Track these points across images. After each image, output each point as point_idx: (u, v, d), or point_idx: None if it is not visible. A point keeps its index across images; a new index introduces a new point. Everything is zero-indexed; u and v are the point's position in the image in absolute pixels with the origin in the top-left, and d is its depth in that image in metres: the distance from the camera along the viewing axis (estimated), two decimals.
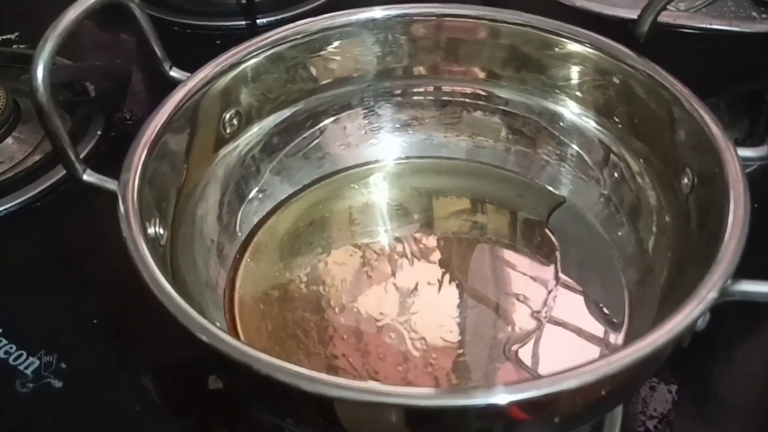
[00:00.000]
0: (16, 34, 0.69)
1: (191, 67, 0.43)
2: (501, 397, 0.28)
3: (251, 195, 0.46)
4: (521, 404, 0.28)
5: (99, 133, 0.58)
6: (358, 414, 0.30)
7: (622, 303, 0.42)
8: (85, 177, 0.37)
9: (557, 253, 0.45)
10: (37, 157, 0.56)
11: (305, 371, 0.28)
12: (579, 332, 0.41)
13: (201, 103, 0.42)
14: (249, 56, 0.44)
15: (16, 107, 0.59)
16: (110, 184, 0.36)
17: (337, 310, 0.42)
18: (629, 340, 0.40)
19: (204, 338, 0.29)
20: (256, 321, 0.41)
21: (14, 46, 0.67)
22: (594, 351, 0.40)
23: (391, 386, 0.29)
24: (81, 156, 0.54)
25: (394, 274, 0.44)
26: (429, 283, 0.44)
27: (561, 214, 0.47)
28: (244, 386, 0.33)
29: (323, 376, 0.28)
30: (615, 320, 0.41)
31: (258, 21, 0.69)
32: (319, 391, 0.28)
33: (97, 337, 0.45)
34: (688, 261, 0.38)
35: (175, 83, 0.42)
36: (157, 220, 0.37)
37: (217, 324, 0.38)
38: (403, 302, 0.43)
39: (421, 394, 0.28)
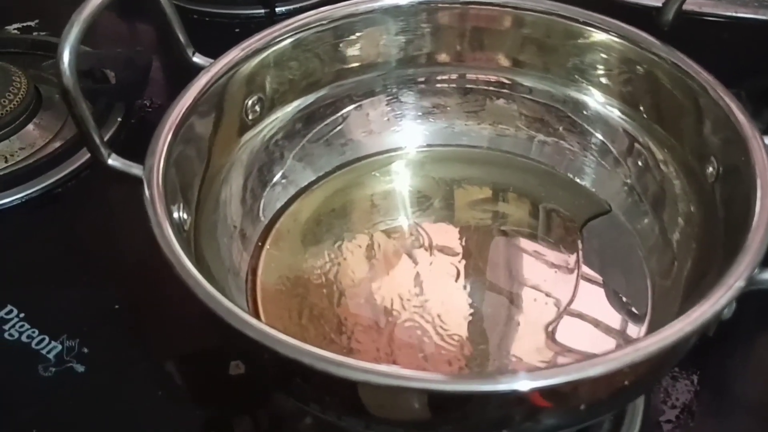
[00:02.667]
0: (36, 21, 0.69)
1: (211, 56, 0.43)
2: (524, 384, 0.27)
3: (274, 180, 0.46)
4: (544, 391, 0.28)
5: (119, 120, 0.58)
6: (381, 398, 0.30)
7: (645, 294, 0.42)
8: (110, 161, 0.37)
9: (579, 243, 0.45)
10: (57, 144, 0.56)
11: (331, 355, 0.28)
12: (600, 323, 0.41)
13: (226, 88, 0.42)
14: (273, 42, 0.44)
15: (37, 94, 0.59)
16: (135, 169, 0.37)
17: (357, 296, 0.42)
18: (652, 331, 0.40)
19: (232, 323, 0.29)
20: (277, 307, 0.41)
21: (34, 33, 0.68)
22: (614, 343, 0.40)
23: (415, 371, 0.29)
24: None
25: (414, 263, 0.44)
26: (449, 273, 0.44)
27: (583, 204, 0.47)
28: (269, 371, 0.33)
29: (349, 360, 0.28)
30: (637, 311, 0.41)
31: (276, 9, 0.68)
32: (345, 375, 0.28)
33: (118, 323, 0.45)
34: (713, 251, 0.38)
35: (198, 69, 0.42)
36: (182, 205, 0.37)
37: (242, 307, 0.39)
38: (423, 291, 0.43)
39: (445, 379, 0.28)
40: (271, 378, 0.34)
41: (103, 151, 0.37)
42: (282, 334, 0.29)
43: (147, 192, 0.35)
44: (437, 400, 0.29)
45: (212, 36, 0.67)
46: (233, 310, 0.30)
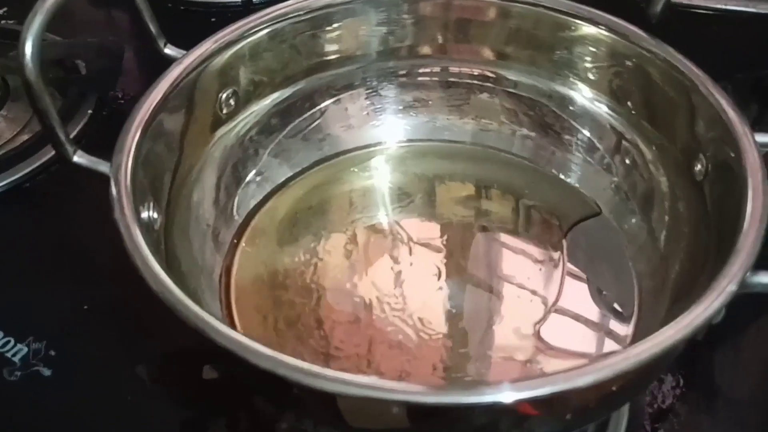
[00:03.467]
0: (5, 9, 0.67)
1: (186, 46, 0.42)
2: (507, 395, 0.27)
3: (249, 178, 0.45)
4: (529, 402, 0.27)
5: (90, 112, 0.57)
6: (360, 408, 0.29)
7: (632, 294, 0.41)
8: (75, 158, 0.36)
9: (564, 242, 0.44)
10: (26, 137, 0.54)
11: (306, 365, 0.27)
12: (586, 323, 0.41)
13: (198, 81, 0.40)
14: (248, 33, 0.42)
15: (5, 84, 0.57)
16: (102, 166, 0.35)
17: (335, 296, 0.41)
18: (638, 332, 0.40)
19: (201, 328, 0.28)
20: (253, 307, 0.40)
21: (2, 22, 0.66)
22: (602, 342, 0.40)
23: (394, 382, 0.28)
24: (71, 136, 0.53)
25: (394, 261, 0.43)
26: (430, 271, 0.43)
27: (568, 201, 0.46)
28: (241, 379, 0.32)
29: (325, 371, 0.27)
30: (623, 312, 0.41)
31: None
32: (321, 386, 0.27)
33: (88, 324, 0.44)
34: (702, 251, 0.37)
35: (170, 61, 0.41)
36: (152, 204, 0.36)
37: (213, 312, 0.37)
38: (404, 289, 0.42)
39: (426, 391, 0.27)
40: (242, 385, 0.33)
41: (68, 147, 0.36)
42: (250, 341, 0.28)
43: (114, 191, 0.33)
44: (417, 411, 0.28)
45: (187, 26, 0.66)
46: (200, 314, 0.29)
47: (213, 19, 0.67)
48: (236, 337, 0.28)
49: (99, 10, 0.69)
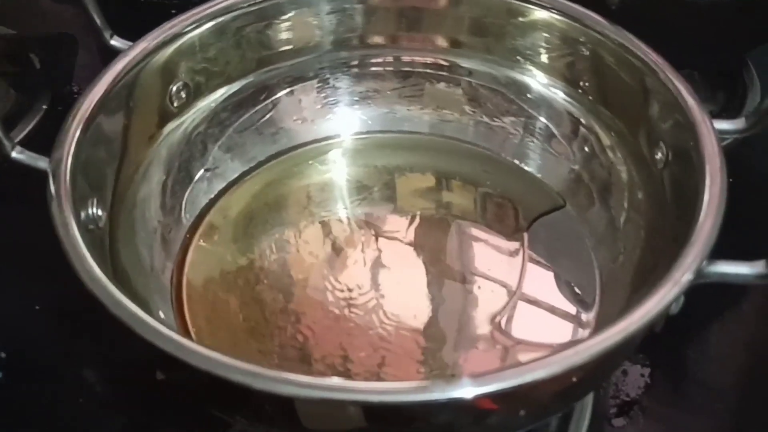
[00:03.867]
0: None
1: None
2: (465, 391, 0.26)
3: (198, 175, 0.44)
4: (487, 397, 0.27)
5: (45, 108, 0.55)
6: (313, 410, 0.28)
7: (593, 281, 0.41)
8: (13, 154, 0.35)
9: (525, 231, 0.43)
10: None
11: (251, 367, 0.26)
12: (549, 310, 0.40)
13: (142, 75, 0.39)
14: (193, 26, 0.41)
15: None
16: (42, 162, 0.34)
17: (294, 294, 0.40)
18: (600, 319, 0.39)
19: (139, 332, 0.27)
20: (207, 309, 0.39)
21: None
22: (565, 330, 0.39)
23: (347, 381, 0.28)
24: (24, 133, 0.53)
25: (355, 255, 0.43)
26: (393, 264, 0.42)
27: (529, 190, 0.45)
28: (188, 383, 0.31)
29: (271, 372, 0.26)
30: (586, 299, 0.40)
31: None
32: (269, 388, 0.26)
33: (39, 326, 0.44)
34: (662, 239, 0.37)
35: (117, 54, 0.39)
36: (95, 201, 0.35)
37: (163, 314, 0.36)
38: (366, 284, 0.41)
39: (381, 389, 0.27)
40: (192, 391, 0.32)
41: (6, 143, 0.35)
42: (194, 344, 0.27)
43: (52, 188, 0.32)
44: (374, 411, 0.27)
45: (147, 17, 0.64)
46: (139, 315, 0.28)
47: (173, 11, 0.66)
48: (172, 337, 0.27)
49: (54, 3, 0.68)
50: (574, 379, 0.29)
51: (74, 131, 0.35)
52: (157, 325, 0.27)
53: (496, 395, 0.27)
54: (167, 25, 0.41)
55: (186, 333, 0.38)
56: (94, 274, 0.29)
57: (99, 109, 0.36)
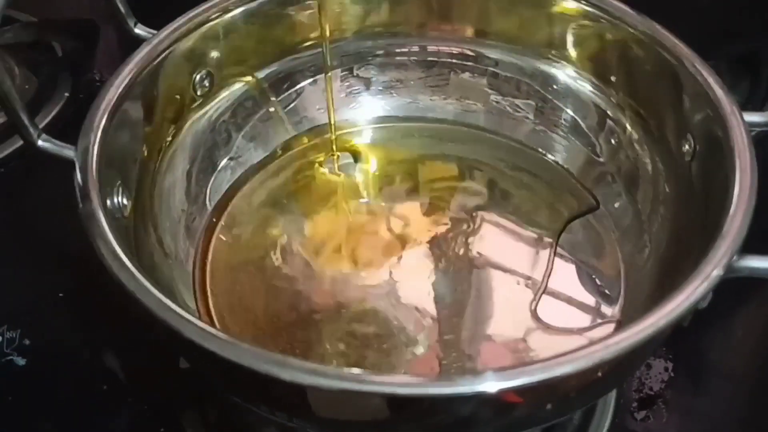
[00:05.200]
0: None
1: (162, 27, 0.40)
2: (490, 385, 0.26)
3: (223, 163, 0.44)
4: (512, 391, 0.26)
5: (66, 95, 0.55)
6: (337, 400, 0.28)
7: (618, 275, 0.41)
8: (40, 143, 0.35)
9: (550, 222, 0.43)
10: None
11: (279, 356, 0.26)
12: (573, 304, 0.40)
13: (166, 63, 0.39)
14: (219, 13, 0.41)
15: None
16: (68, 151, 0.34)
17: (318, 282, 0.40)
18: (625, 313, 0.39)
19: (164, 318, 0.27)
20: (229, 296, 0.40)
21: None
22: (590, 323, 0.39)
23: (373, 374, 0.27)
24: (46, 121, 0.53)
25: (376, 244, 0.43)
26: (414, 254, 0.42)
27: (553, 181, 0.45)
28: (211, 371, 0.31)
29: (297, 361, 0.26)
30: (610, 293, 0.40)
31: None
32: (294, 378, 0.26)
33: (62, 312, 0.44)
34: (689, 232, 0.36)
35: (142, 42, 0.39)
36: (120, 189, 0.35)
37: (185, 302, 0.37)
38: (388, 274, 0.41)
39: (406, 382, 0.27)
40: (215, 379, 0.32)
41: (32, 131, 0.35)
42: (223, 334, 0.27)
43: (79, 177, 0.32)
44: (397, 403, 0.27)
45: (169, 5, 0.64)
46: (166, 303, 0.28)
47: None
48: (201, 327, 0.27)
49: None
50: (600, 374, 0.29)
51: (100, 119, 0.34)
52: (186, 315, 0.27)
53: (522, 390, 0.26)
54: (192, 12, 0.40)
55: (209, 320, 0.38)
56: (124, 264, 0.29)
57: (124, 98, 0.36)
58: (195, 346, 0.27)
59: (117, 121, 0.35)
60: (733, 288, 0.31)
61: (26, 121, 0.34)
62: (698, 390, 0.42)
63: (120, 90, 0.36)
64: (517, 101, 0.47)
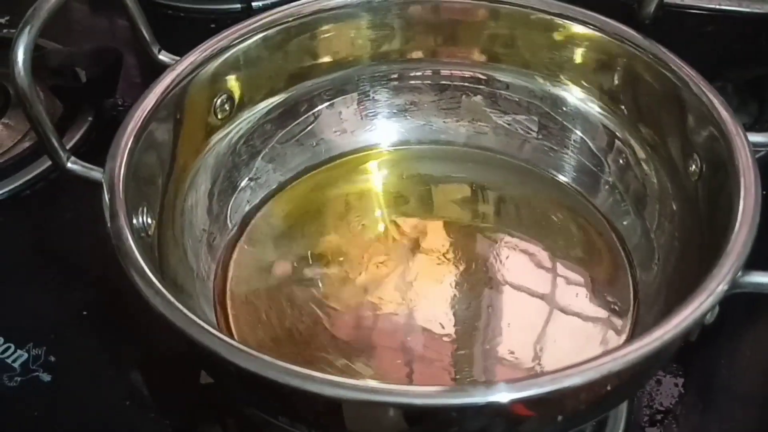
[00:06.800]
0: (7, 18, 0.67)
1: (184, 53, 0.42)
2: (502, 396, 0.27)
3: (243, 184, 0.45)
4: (523, 402, 0.27)
5: (90, 120, 0.56)
6: (354, 412, 0.29)
7: (628, 292, 0.41)
8: (69, 165, 0.36)
9: (561, 241, 0.44)
10: (26, 144, 0.54)
11: (297, 368, 0.27)
12: (583, 320, 0.40)
13: (189, 88, 0.41)
14: (239, 40, 0.42)
15: (5, 93, 0.57)
16: (96, 173, 0.35)
17: (333, 300, 0.41)
18: (634, 329, 0.40)
19: (191, 334, 0.28)
20: (249, 314, 0.40)
21: (4, 30, 0.66)
22: (600, 338, 0.40)
23: (389, 384, 0.28)
24: (72, 144, 0.54)
25: (393, 264, 0.43)
26: (428, 272, 0.43)
27: (564, 201, 0.46)
28: (233, 384, 0.32)
29: (316, 374, 0.27)
30: (619, 309, 0.41)
31: (253, 4, 0.67)
32: (313, 389, 0.27)
33: (86, 330, 0.44)
34: (696, 249, 0.37)
35: (164, 68, 0.41)
36: (145, 209, 0.36)
37: (207, 319, 0.37)
38: (402, 292, 0.42)
39: (421, 393, 0.27)
40: (235, 391, 0.33)
41: (62, 154, 0.36)
42: (243, 346, 0.28)
43: (107, 198, 0.33)
44: (413, 414, 0.28)
45: (187, 32, 0.66)
46: (192, 319, 0.29)
47: (213, 26, 0.67)
48: (227, 341, 0.28)
49: (100, 18, 0.69)
50: (609, 387, 0.30)
51: (126, 142, 0.36)
52: (213, 330, 0.28)
53: (531, 400, 0.27)
54: (214, 39, 0.42)
55: (229, 335, 0.38)
56: (151, 282, 0.30)
57: (149, 121, 0.37)
58: (220, 360, 0.28)
59: (143, 143, 0.36)
60: (743, 306, 0.32)
61: (56, 144, 0.36)
62: (709, 407, 0.42)
63: (146, 113, 0.37)
64: (528, 123, 0.48)
